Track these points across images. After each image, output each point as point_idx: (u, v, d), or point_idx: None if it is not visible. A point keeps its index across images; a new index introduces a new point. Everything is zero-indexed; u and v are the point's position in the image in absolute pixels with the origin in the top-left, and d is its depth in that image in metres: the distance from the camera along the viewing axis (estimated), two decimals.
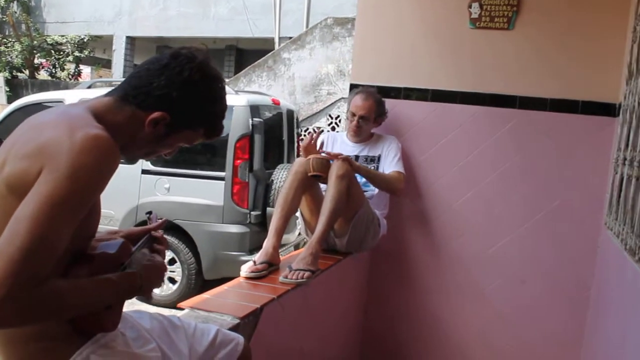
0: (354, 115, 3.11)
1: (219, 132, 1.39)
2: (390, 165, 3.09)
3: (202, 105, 1.31)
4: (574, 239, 3.06)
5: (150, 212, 1.52)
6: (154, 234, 1.44)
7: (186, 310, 1.97)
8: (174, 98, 1.25)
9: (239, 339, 1.67)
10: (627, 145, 2.40)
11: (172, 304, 4.51)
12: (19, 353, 1.18)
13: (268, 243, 2.57)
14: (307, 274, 2.41)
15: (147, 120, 1.25)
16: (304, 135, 8.35)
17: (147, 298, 1.33)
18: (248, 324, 1.96)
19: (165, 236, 1.50)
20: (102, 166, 1.10)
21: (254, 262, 2.47)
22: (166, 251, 1.47)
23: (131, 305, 1.33)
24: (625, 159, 2.38)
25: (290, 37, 9.88)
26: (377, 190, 3.10)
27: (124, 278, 1.21)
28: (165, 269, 1.38)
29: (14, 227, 1.01)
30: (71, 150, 1.07)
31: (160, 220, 1.47)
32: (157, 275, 1.32)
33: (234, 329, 1.82)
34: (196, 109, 1.30)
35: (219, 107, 1.35)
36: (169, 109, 1.26)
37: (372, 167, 3.11)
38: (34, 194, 1.04)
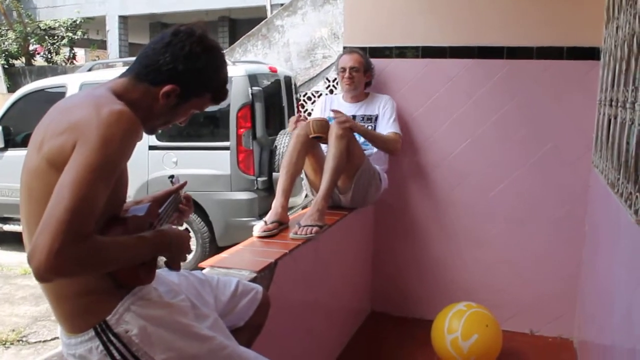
0: (344, 70, 3.26)
1: (224, 96, 1.55)
2: (386, 126, 3.24)
3: (206, 74, 1.46)
4: (567, 179, 3.20)
5: (172, 176, 1.69)
6: (179, 194, 1.62)
7: (206, 269, 2.13)
8: (180, 71, 1.41)
9: (259, 288, 1.84)
10: (607, 86, 2.53)
11: None
12: (69, 308, 1.35)
13: (277, 203, 2.73)
14: (315, 229, 2.57)
15: (160, 94, 1.41)
16: (303, 101, 8.46)
17: (174, 268, 1.50)
18: (264, 277, 2.12)
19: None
20: (127, 136, 1.26)
21: (265, 222, 2.63)
22: (182, 225, 1.64)
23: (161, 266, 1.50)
24: (607, 99, 2.52)
25: (282, 4, 9.88)
26: (375, 148, 3.25)
27: (155, 234, 1.38)
28: (188, 237, 1.55)
29: (59, 192, 1.17)
30: (99, 124, 1.23)
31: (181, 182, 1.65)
32: (184, 240, 1.49)
33: (252, 281, 1.97)
34: (201, 78, 1.45)
35: (221, 74, 1.51)
36: (178, 81, 1.41)
37: (370, 127, 3.25)
38: (72, 163, 1.20)
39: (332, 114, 3.16)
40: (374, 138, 3.17)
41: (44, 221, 1.15)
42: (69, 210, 1.15)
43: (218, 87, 1.51)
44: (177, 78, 1.41)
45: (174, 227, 1.52)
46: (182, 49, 1.41)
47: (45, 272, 1.13)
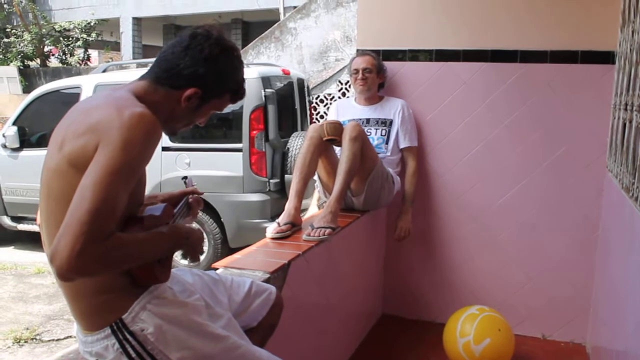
0: (357, 71, 3.27)
1: (242, 95, 1.58)
2: (404, 140, 3.29)
3: (226, 75, 1.48)
4: (580, 183, 3.19)
5: (185, 177, 1.71)
6: (191, 198, 1.65)
7: (220, 270, 2.14)
8: (201, 74, 1.43)
9: (272, 288, 1.85)
10: (622, 90, 2.52)
11: None
12: (86, 305, 1.37)
13: (290, 205, 2.74)
14: (328, 230, 2.58)
15: (182, 98, 1.43)
16: (316, 103, 8.48)
17: (194, 260, 1.53)
18: (277, 278, 2.13)
19: None
20: (148, 139, 1.28)
21: (278, 223, 2.64)
22: (192, 223, 1.67)
23: (176, 265, 1.53)
24: (621, 103, 2.51)
25: (295, 7, 9.92)
26: (389, 152, 3.27)
27: (172, 230, 1.41)
28: (201, 232, 1.58)
29: (81, 193, 1.19)
30: (121, 127, 1.25)
31: (195, 185, 1.67)
32: (198, 234, 1.53)
33: (265, 282, 1.98)
34: (221, 79, 1.48)
35: (239, 74, 1.53)
36: (199, 84, 1.43)
37: (384, 131, 3.27)
38: (94, 165, 1.22)
39: (345, 118, 3.18)
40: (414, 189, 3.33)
41: (65, 222, 1.17)
42: (90, 211, 1.17)
43: (237, 86, 1.53)
44: (198, 81, 1.43)
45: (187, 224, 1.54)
46: (201, 52, 1.43)
47: (68, 272, 1.16)
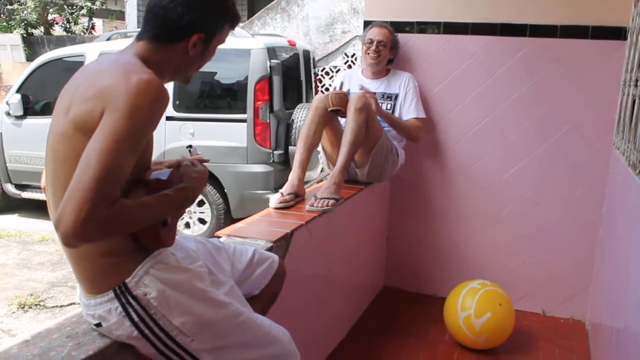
0: (372, 42, 3.21)
1: (239, 18, 1.56)
2: (409, 110, 3.22)
3: (219, 8, 1.46)
4: (587, 160, 3.17)
5: (190, 146, 1.70)
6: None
7: (223, 238, 2.14)
8: (198, 19, 1.41)
9: (275, 257, 1.85)
10: (633, 67, 2.49)
11: None
12: (90, 268, 1.37)
13: (293, 175, 2.73)
14: (331, 201, 2.58)
15: (188, 47, 1.42)
16: (321, 75, 8.42)
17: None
18: (280, 247, 2.14)
19: None
20: (154, 106, 1.27)
21: (282, 193, 2.64)
22: None
23: (179, 233, 1.52)
24: (632, 80, 2.48)
25: None
26: None
27: (178, 191, 1.40)
28: (206, 173, 1.58)
29: (87, 160, 1.19)
30: (128, 93, 1.23)
31: (199, 154, 1.66)
32: (204, 181, 1.53)
33: (268, 251, 1.98)
34: (217, 14, 1.46)
35: (228, 1, 1.50)
36: (199, 29, 1.42)
37: (389, 105, 3.23)
38: (100, 131, 1.21)
39: (351, 89, 3.15)
40: (395, 124, 3.16)
41: (71, 188, 1.17)
42: (96, 178, 1.16)
43: (233, 13, 1.51)
44: (198, 26, 1.42)
45: (193, 169, 1.53)
46: None
47: (73, 239, 1.16)
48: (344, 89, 3.17)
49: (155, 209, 1.32)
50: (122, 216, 1.22)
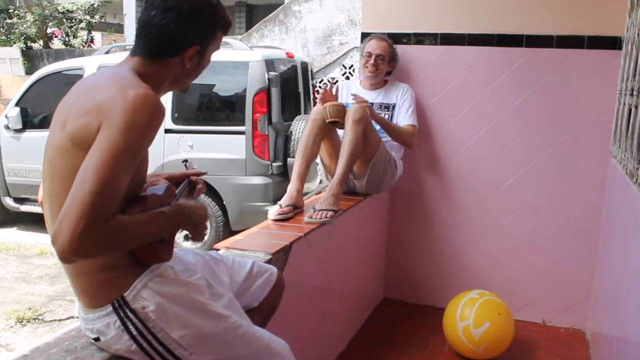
0: (370, 55, 3.22)
1: (231, 24, 1.56)
2: (404, 117, 3.22)
3: (209, 18, 1.46)
4: (584, 169, 3.17)
5: (186, 160, 1.71)
6: (193, 179, 1.64)
7: (222, 250, 2.15)
8: (192, 33, 1.42)
9: (273, 269, 1.85)
10: (629, 76, 2.50)
11: None
12: (88, 282, 1.37)
13: (292, 187, 2.73)
14: (330, 213, 2.58)
15: (184, 60, 1.43)
16: (319, 87, 8.44)
17: (197, 239, 1.52)
18: (279, 259, 2.13)
19: None
20: (151, 121, 1.27)
21: (280, 205, 2.64)
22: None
23: (177, 246, 1.52)
24: (627, 89, 2.49)
25: None
26: None
27: (174, 209, 1.40)
28: (206, 208, 1.57)
29: (83, 175, 1.19)
30: (125, 108, 1.23)
31: (195, 168, 1.67)
32: (202, 212, 1.51)
33: (267, 263, 1.98)
34: (208, 24, 1.46)
35: (219, 8, 1.49)
36: (194, 41, 1.43)
37: (387, 116, 3.24)
38: (96, 147, 1.21)
39: (349, 100, 3.16)
40: (390, 129, 3.16)
41: (67, 204, 1.17)
42: (92, 193, 1.16)
43: (224, 21, 1.51)
44: (192, 39, 1.42)
45: (191, 201, 1.53)
46: (180, 12, 1.39)
47: (70, 254, 1.16)
48: (341, 100, 3.18)
49: (151, 226, 1.32)
50: (119, 232, 1.21)
